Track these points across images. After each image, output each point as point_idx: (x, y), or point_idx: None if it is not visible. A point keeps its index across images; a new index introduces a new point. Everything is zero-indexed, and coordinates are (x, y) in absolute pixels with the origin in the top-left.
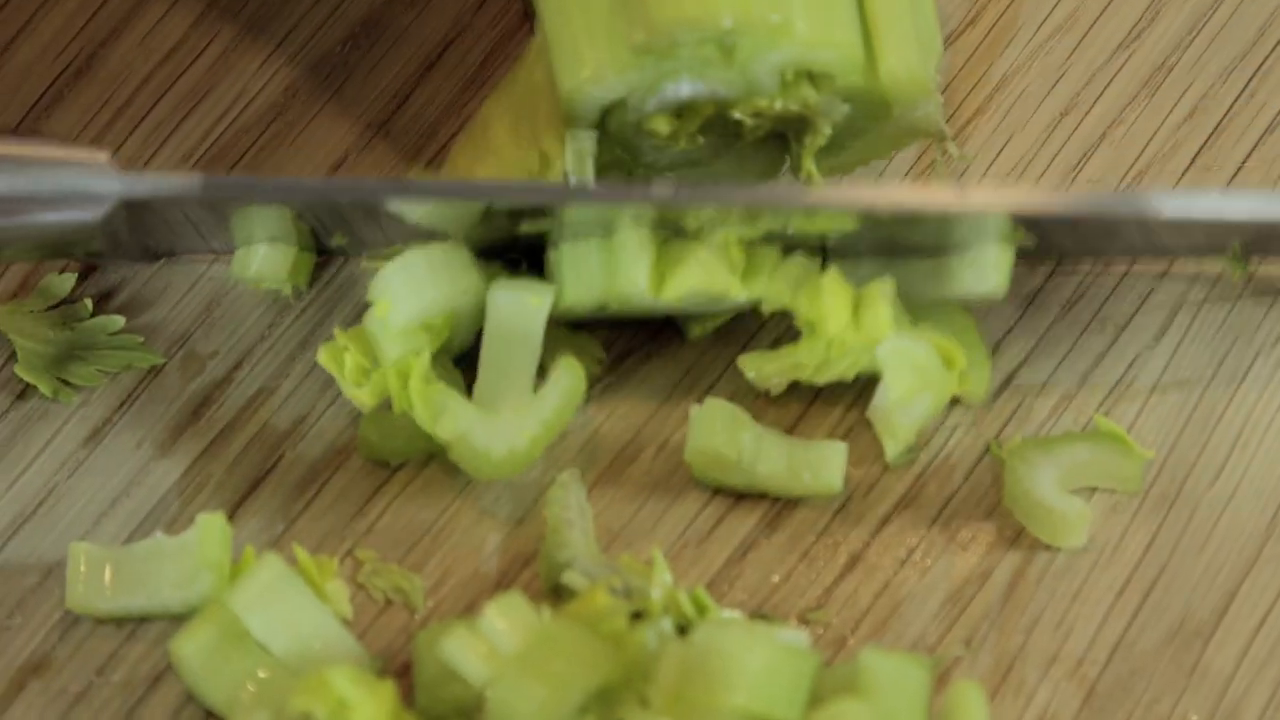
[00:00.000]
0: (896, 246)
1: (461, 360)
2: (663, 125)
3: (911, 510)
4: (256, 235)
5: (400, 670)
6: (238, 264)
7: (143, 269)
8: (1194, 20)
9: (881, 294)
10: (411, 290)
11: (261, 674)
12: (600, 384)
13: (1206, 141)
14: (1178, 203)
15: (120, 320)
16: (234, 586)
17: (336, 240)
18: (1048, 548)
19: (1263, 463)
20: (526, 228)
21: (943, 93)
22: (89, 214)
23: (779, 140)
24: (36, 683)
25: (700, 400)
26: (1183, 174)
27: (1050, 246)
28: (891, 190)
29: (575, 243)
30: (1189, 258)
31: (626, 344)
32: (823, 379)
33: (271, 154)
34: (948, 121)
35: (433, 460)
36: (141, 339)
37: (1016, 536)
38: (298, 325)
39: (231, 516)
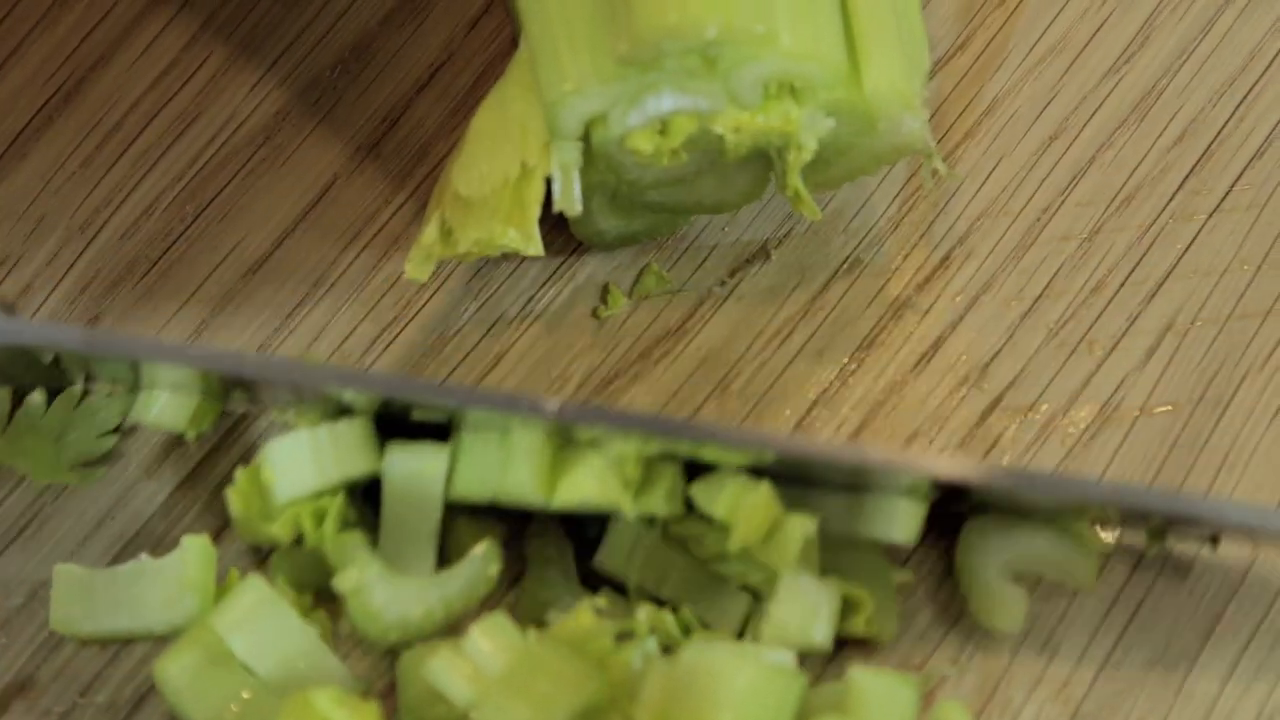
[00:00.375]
0: (813, 478)
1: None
2: (645, 143)
3: None
4: (159, 381)
5: (385, 691)
6: (139, 407)
7: (131, 287)
8: (1183, 45)
9: (798, 529)
10: (297, 469)
11: (245, 695)
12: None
13: (1195, 165)
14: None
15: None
16: (218, 608)
17: (236, 398)
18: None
19: (1249, 486)
20: (421, 416)
21: (932, 115)
22: None
23: (763, 159)
24: (20, 703)
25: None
26: (1171, 197)
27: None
28: (786, 439)
29: (474, 433)
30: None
31: (613, 367)
32: (715, 568)
33: (261, 177)
34: (938, 143)
35: None
36: None
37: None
38: (289, 343)
39: (216, 539)
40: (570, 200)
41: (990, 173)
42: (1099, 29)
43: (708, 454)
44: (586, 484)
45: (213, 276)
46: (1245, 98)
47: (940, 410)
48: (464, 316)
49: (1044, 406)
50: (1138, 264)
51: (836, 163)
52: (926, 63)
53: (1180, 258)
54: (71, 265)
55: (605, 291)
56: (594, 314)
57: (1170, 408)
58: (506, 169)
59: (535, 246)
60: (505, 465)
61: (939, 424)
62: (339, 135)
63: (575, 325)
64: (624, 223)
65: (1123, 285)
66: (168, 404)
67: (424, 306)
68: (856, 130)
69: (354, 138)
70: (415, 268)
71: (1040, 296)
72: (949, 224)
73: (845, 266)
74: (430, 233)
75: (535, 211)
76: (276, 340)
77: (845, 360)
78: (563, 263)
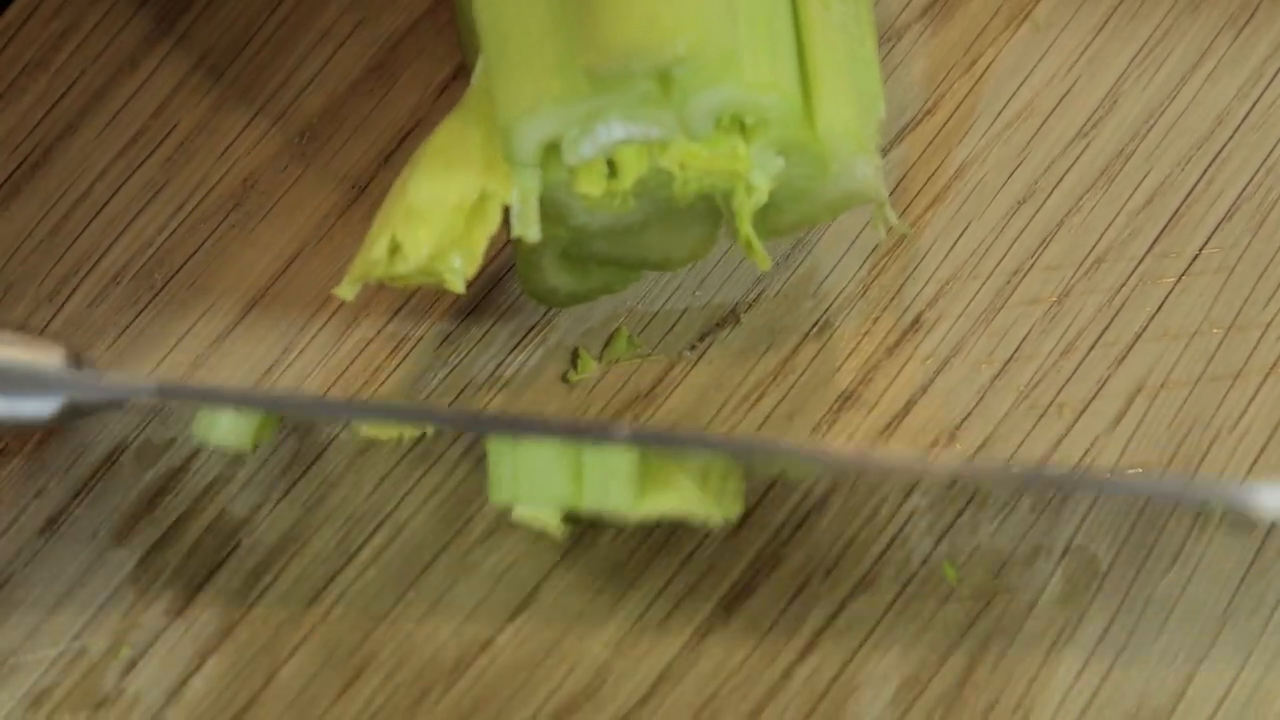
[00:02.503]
0: None
1: None
2: (593, 185)
3: (868, 594)
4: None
5: None
6: (200, 426)
7: (99, 354)
8: (1151, 109)
9: None
10: None
11: None
12: None
13: (1164, 229)
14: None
15: None
16: None
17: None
18: (1005, 631)
19: (1219, 546)
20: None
21: (900, 179)
22: (37, 412)
23: (712, 212)
24: None
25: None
26: (1140, 260)
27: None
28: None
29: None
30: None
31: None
32: None
33: (229, 244)
34: (904, 210)
35: (390, 545)
36: None
37: (974, 620)
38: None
39: (187, 604)
40: (529, 227)
41: (959, 236)
42: (1066, 93)
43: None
44: (672, 497)
45: (180, 344)
46: (1213, 161)
47: (910, 473)
48: (432, 383)
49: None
50: (1107, 326)
51: (787, 209)
52: (881, 111)
53: (1150, 320)
54: (40, 333)
55: (575, 356)
56: (564, 379)
57: (1141, 470)
58: (463, 193)
59: (458, 284)
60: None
61: (909, 485)
62: (307, 202)
63: (545, 390)
64: (574, 280)
65: (1092, 348)
66: (230, 425)
67: (392, 374)
68: (808, 173)
69: (322, 205)
70: (348, 286)
71: (1010, 359)
72: (918, 287)
73: (815, 330)
74: (377, 247)
75: (484, 243)
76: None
77: (816, 423)
78: (532, 328)
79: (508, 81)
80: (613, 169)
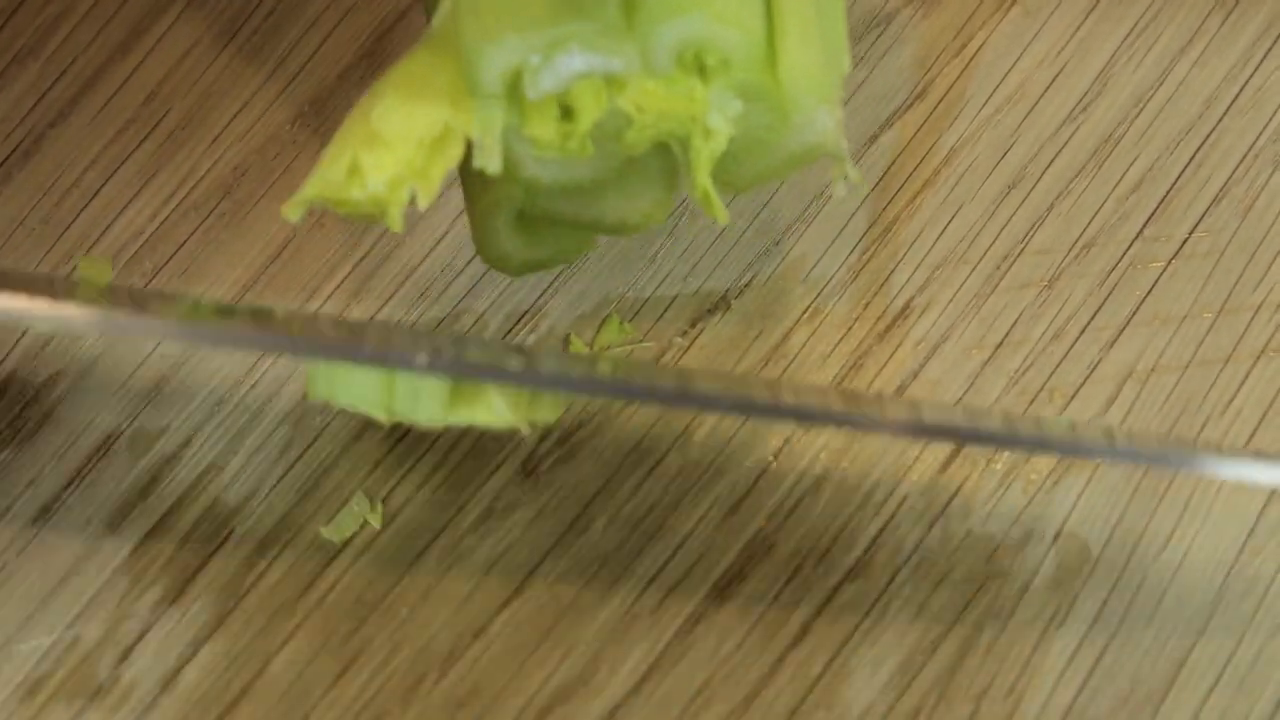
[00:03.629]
0: None
1: None
2: (546, 129)
3: (861, 580)
4: None
5: None
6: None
7: (91, 342)
8: (1140, 93)
9: None
10: None
11: None
12: (551, 457)
13: (1154, 213)
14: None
15: None
16: None
17: None
18: (997, 616)
19: (1211, 531)
20: None
21: (890, 165)
22: None
23: (669, 172)
24: None
25: (649, 473)
26: (1130, 244)
27: None
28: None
29: None
30: None
31: (574, 418)
32: None
33: (220, 233)
34: (894, 195)
35: (381, 535)
36: None
37: (966, 605)
38: (250, 397)
39: (180, 593)
40: (490, 159)
41: (949, 221)
42: (1056, 77)
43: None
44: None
45: None
46: (1202, 145)
47: (902, 458)
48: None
49: (1005, 454)
50: (1097, 311)
51: (745, 162)
52: (846, 65)
53: (1140, 305)
54: None
55: (566, 343)
56: None
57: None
58: (429, 124)
59: (398, 222)
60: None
61: (901, 471)
62: (297, 191)
63: None
64: (527, 245)
65: (1083, 333)
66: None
67: None
68: (768, 123)
69: None
70: (296, 206)
71: (1000, 345)
72: (909, 273)
73: (806, 316)
74: (335, 168)
75: (441, 177)
76: (238, 393)
77: None
78: (524, 315)
79: (472, 9)
80: (567, 114)
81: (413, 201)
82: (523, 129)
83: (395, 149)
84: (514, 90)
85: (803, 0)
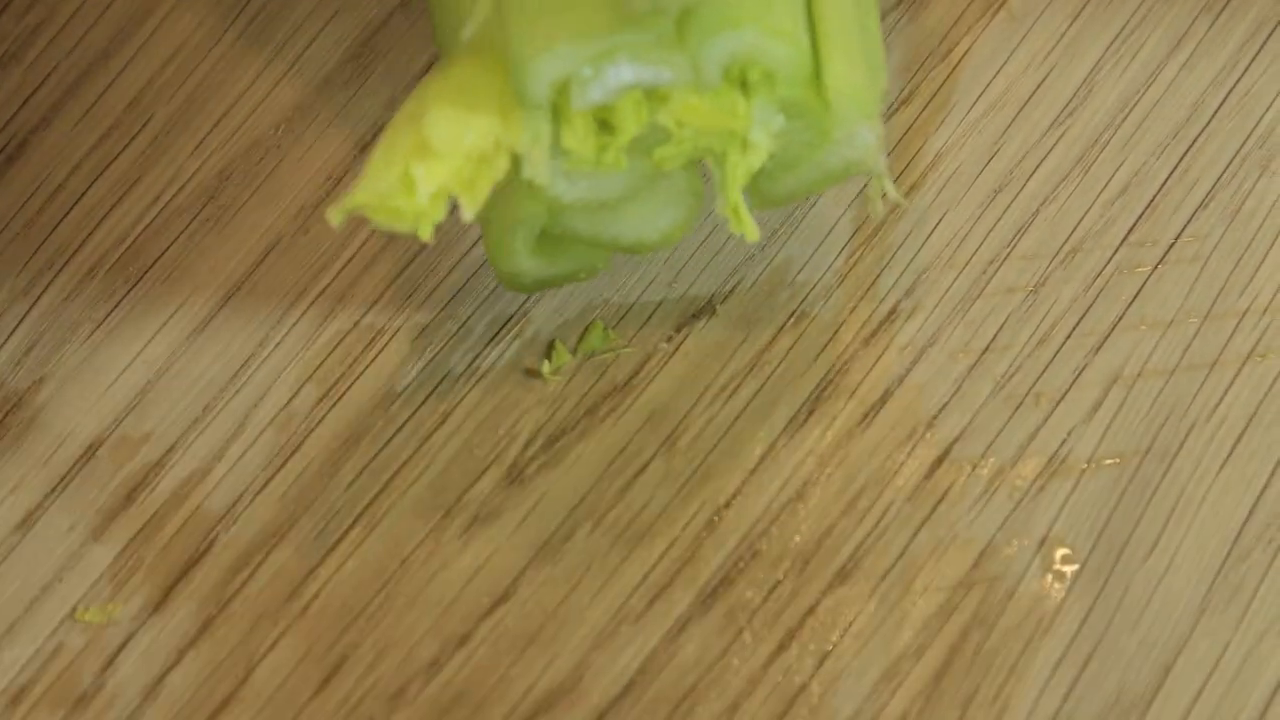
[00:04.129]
0: None
1: None
2: (585, 142)
3: (846, 585)
4: None
5: None
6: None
7: (75, 348)
8: (1127, 97)
9: None
10: None
11: None
12: (536, 463)
13: (1140, 218)
14: None
15: None
16: None
17: None
18: (983, 622)
19: (1197, 537)
20: None
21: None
22: None
23: (693, 193)
24: None
25: (634, 478)
26: (1116, 249)
27: None
28: None
29: None
30: None
31: (560, 423)
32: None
33: (204, 238)
34: (879, 200)
35: (365, 542)
36: None
37: (953, 612)
38: (234, 403)
39: (164, 600)
40: (539, 169)
41: (935, 226)
42: (1042, 82)
43: None
44: None
45: (157, 338)
46: (1189, 150)
47: (888, 463)
48: (409, 375)
49: (991, 459)
50: (1084, 316)
51: (780, 178)
52: (884, 81)
53: (1126, 309)
54: (16, 327)
55: (550, 349)
56: (540, 371)
57: (1117, 460)
58: (480, 137)
59: (428, 232)
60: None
61: (887, 477)
62: (283, 195)
63: (521, 382)
64: (544, 263)
65: (1069, 337)
66: None
67: (369, 366)
68: (808, 139)
69: (297, 197)
70: (339, 212)
71: (986, 349)
72: (895, 277)
73: (791, 320)
74: (386, 178)
75: (487, 189)
76: (222, 400)
77: (793, 414)
78: (508, 320)
79: (521, 19)
80: (604, 128)
81: (452, 210)
82: (561, 142)
83: (446, 160)
84: (555, 102)
85: (846, 17)
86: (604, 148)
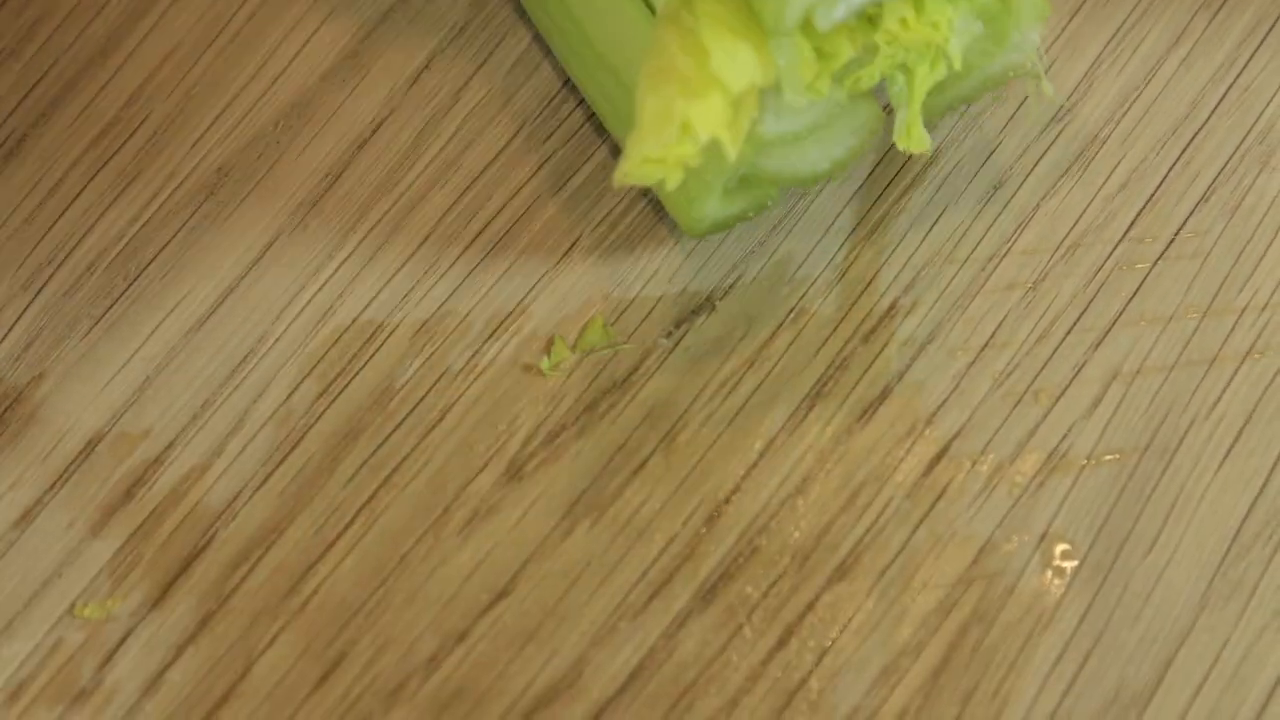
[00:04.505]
0: None
1: None
2: (807, 71)
3: (847, 581)
4: None
5: None
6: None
7: (74, 344)
8: (1126, 93)
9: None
10: None
11: None
12: (536, 459)
13: (1140, 213)
14: None
15: None
16: None
17: None
18: (982, 619)
19: (1197, 533)
20: None
21: (877, 164)
22: None
23: (871, 117)
24: None
25: (633, 474)
26: (1116, 245)
27: None
28: None
29: None
30: None
31: (559, 419)
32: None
33: (203, 234)
34: (879, 196)
35: (365, 537)
36: None
37: (952, 608)
38: (233, 399)
39: (164, 595)
40: (798, 88)
41: (935, 221)
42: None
43: None
44: None
45: (156, 334)
46: (1188, 145)
47: (887, 459)
48: (409, 371)
49: (990, 456)
50: (1083, 312)
51: (950, 88)
52: None
53: (1125, 305)
54: (15, 323)
55: (550, 344)
56: (539, 367)
57: (1117, 456)
58: (743, 78)
59: (676, 177)
60: None
61: (886, 473)
62: (281, 192)
63: (520, 379)
64: (724, 204)
65: (1069, 333)
66: None
67: (369, 362)
68: (985, 46)
69: (296, 194)
70: (627, 174)
71: (986, 345)
72: (894, 273)
73: (791, 316)
74: (666, 130)
75: (744, 130)
76: (221, 396)
77: (792, 410)
78: (507, 316)
79: None
80: (821, 49)
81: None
82: (785, 75)
83: (715, 103)
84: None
85: None
86: (818, 74)
